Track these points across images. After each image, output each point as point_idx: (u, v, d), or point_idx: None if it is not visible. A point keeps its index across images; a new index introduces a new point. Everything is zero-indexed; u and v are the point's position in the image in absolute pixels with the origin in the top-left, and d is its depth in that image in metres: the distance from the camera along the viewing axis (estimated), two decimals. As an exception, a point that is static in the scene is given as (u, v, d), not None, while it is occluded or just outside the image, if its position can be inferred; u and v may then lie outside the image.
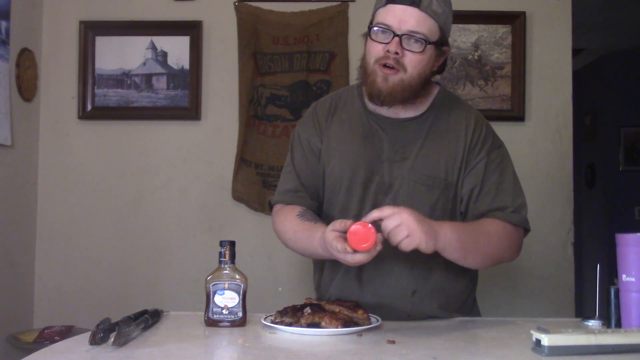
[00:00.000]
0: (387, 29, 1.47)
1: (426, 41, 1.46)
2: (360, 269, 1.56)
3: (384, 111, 1.59)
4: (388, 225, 1.33)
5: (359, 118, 1.62)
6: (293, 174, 1.66)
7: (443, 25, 1.50)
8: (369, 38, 1.52)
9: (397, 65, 1.47)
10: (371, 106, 1.60)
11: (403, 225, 1.32)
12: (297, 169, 1.66)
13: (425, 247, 1.35)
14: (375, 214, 1.35)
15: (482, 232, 1.50)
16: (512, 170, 1.60)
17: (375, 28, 1.49)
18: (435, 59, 1.54)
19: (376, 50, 1.49)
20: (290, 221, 1.59)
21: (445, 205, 1.56)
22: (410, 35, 1.46)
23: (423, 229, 1.33)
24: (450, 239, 1.40)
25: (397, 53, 1.46)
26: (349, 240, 1.32)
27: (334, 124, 1.65)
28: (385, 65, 1.48)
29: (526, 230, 1.59)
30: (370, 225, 1.32)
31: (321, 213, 1.66)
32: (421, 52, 1.47)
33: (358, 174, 1.58)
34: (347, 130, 1.62)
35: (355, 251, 1.33)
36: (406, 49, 1.47)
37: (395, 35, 1.46)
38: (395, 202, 1.54)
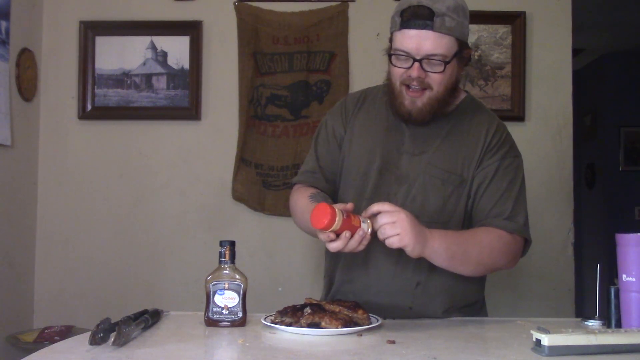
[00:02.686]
0: (405, 54, 1.50)
1: (445, 62, 1.49)
2: (367, 256, 1.59)
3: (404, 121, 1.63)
4: (382, 219, 1.37)
5: (385, 112, 1.67)
6: (313, 156, 1.73)
7: (460, 35, 1.51)
8: (390, 62, 1.55)
9: (422, 86, 1.52)
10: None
11: (397, 224, 1.36)
12: (317, 152, 1.73)
13: (412, 249, 1.38)
14: (375, 207, 1.39)
15: (474, 243, 1.51)
16: (521, 183, 1.61)
17: (394, 55, 1.53)
18: (458, 66, 1.57)
19: (399, 73, 1.54)
20: (301, 200, 1.64)
21: (457, 201, 1.59)
22: (429, 58, 1.49)
23: (414, 233, 1.37)
24: (437, 249, 1.43)
25: (419, 76, 1.50)
26: (310, 217, 1.37)
27: (361, 114, 1.71)
28: (410, 87, 1.53)
29: (527, 241, 1.59)
30: (332, 207, 1.34)
31: (337, 198, 1.70)
32: (442, 71, 1.50)
33: (375, 161, 1.63)
34: (371, 122, 1.68)
35: (336, 236, 1.37)
36: (428, 71, 1.50)
37: (414, 60, 1.49)
38: (409, 193, 1.59)
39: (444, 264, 1.48)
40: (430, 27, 1.46)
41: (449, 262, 1.48)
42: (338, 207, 1.37)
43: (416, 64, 1.49)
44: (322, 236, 1.38)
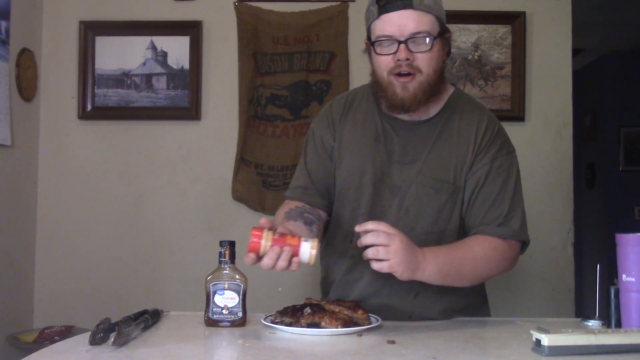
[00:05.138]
0: (389, 38, 1.46)
1: (431, 37, 1.46)
2: (364, 270, 1.56)
3: (397, 113, 1.58)
4: (376, 239, 1.31)
5: (372, 118, 1.62)
6: (304, 171, 1.67)
7: (438, 14, 1.48)
8: (374, 53, 1.51)
9: (412, 70, 1.47)
10: (385, 107, 1.60)
11: (391, 249, 1.31)
12: (308, 166, 1.66)
13: (400, 275, 1.35)
14: (370, 226, 1.33)
15: (468, 258, 1.47)
16: (515, 180, 1.56)
17: (377, 42, 1.49)
18: (443, 49, 1.53)
19: (386, 62, 1.49)
20: (279, 217, 1.58)
21: (452, 209, 1.55)
22: (414, 37, 1.45)
23: (406, 261, 1.33)
24: (429, 273, 1.39)
25: (407, 59, 1.46)
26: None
27: (348, 122, 1.65)
28: (400, 74, 1.48)
29: (524, 242, 1.55)
30: (257, 233, 1.29)
31: (331, 211, 1.66)
32: (430, 49, 1.46)
33: (367, 174, 1.58)
34: (360, 130, 1.62)
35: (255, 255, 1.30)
36: (415, 52, 1.46)
37: (400, 42, 1.45)
38: (402, 204, 1.55)
39: (437, 283, 1.44)
40: (410, 6, 1.44)
41: (442, 282, 1.45)
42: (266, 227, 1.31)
43: (402, 45, 1.45)
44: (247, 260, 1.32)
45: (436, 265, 1.40)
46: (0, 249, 2.52)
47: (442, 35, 1.51)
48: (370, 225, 1.33)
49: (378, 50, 1.49)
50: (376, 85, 1.56)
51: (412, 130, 1.58)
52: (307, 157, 1.68)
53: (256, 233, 1.30)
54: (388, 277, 1.53)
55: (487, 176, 1.54)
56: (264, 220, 1.34)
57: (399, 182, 1.56)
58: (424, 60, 1.47)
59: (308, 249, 1.30)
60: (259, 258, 1.31)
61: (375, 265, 1.33)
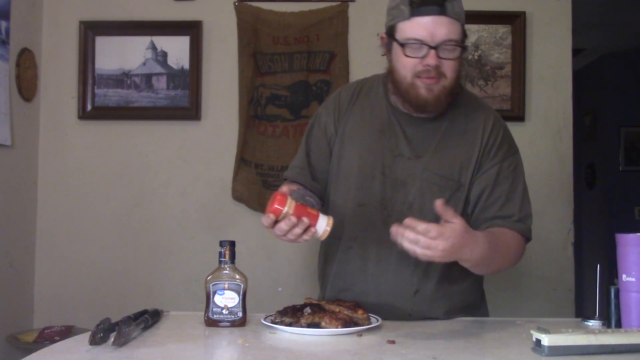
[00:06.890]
0: (419, 42, 1.45)
1: (460, 46, 1.47)
2: (365, 263, 1.58)
3: (405, 107, 1.58)
4: (416, 247, 1.26)
5: (380, 110, 1.63)
6: (303, 151, 1.69)
7: (464, 22, 1.50)
8: (401, 53, 1.49)
9: (438, 75, 1.47)
10: (393, 100, 1.61)
11: (436, 253, 1.25)
12: (308, 147, 1.69)
13: (439, 261, 1.31)
14: (421, 227, 1.26)
15: (503, 248, 1.49)
16: (523, 179, 1.60)
17: (406, 44, 1.47)
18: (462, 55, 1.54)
19: (412, 64, 1.48)
20: None
21: (455, 206, 1.55)
22: (444, 44, 1.45)
23: (452, 252, 1.28)
24: (476, 258, 1.36)
25: (437, 65, 1.46)
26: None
27: (355, 110, 1.65)
28: (420, 77, 1.48)
29: (527, 240, 1.59)
30: (281, 199, 1.34)
31: (327, 199, 1.67)
32: (457, 57, 1.48)
33: (368, 165, 1.59)
34: (366, 120, 1.63)
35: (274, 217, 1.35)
36: (443, 58, 1.46)
37: (430, 47, 1.45)
38: (406, 199, 1.56)
39: (472, 268, 1.44)
40: (444, 13, 1.43)
41: (476, 268, 1.45)
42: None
43: (432, 52, 1.44)
44: (266, 220, 1.36)
45: (480, 255, 1.36)
46: (0, 249, 2.52)
47: (464, 42, 1.51)
48: (420, 226, 1.25)
49: (407, 52, 1.48)
50: (396, 85, 1.55)
51: (418, 126, 1.59)
52: (309, 139, 1.70)
53: (280, 198, 1.35)
54: (390, 272, 1.55)
55: (497, 176, 1.56)
56: (286, 188, 1.39)
57: (403, 176, 1.57)
58: (450, 66, 1.48)
59: (324, 225, 1.36)
60: (276, 222, 1.35)
61: (417, 252, 1.25)
